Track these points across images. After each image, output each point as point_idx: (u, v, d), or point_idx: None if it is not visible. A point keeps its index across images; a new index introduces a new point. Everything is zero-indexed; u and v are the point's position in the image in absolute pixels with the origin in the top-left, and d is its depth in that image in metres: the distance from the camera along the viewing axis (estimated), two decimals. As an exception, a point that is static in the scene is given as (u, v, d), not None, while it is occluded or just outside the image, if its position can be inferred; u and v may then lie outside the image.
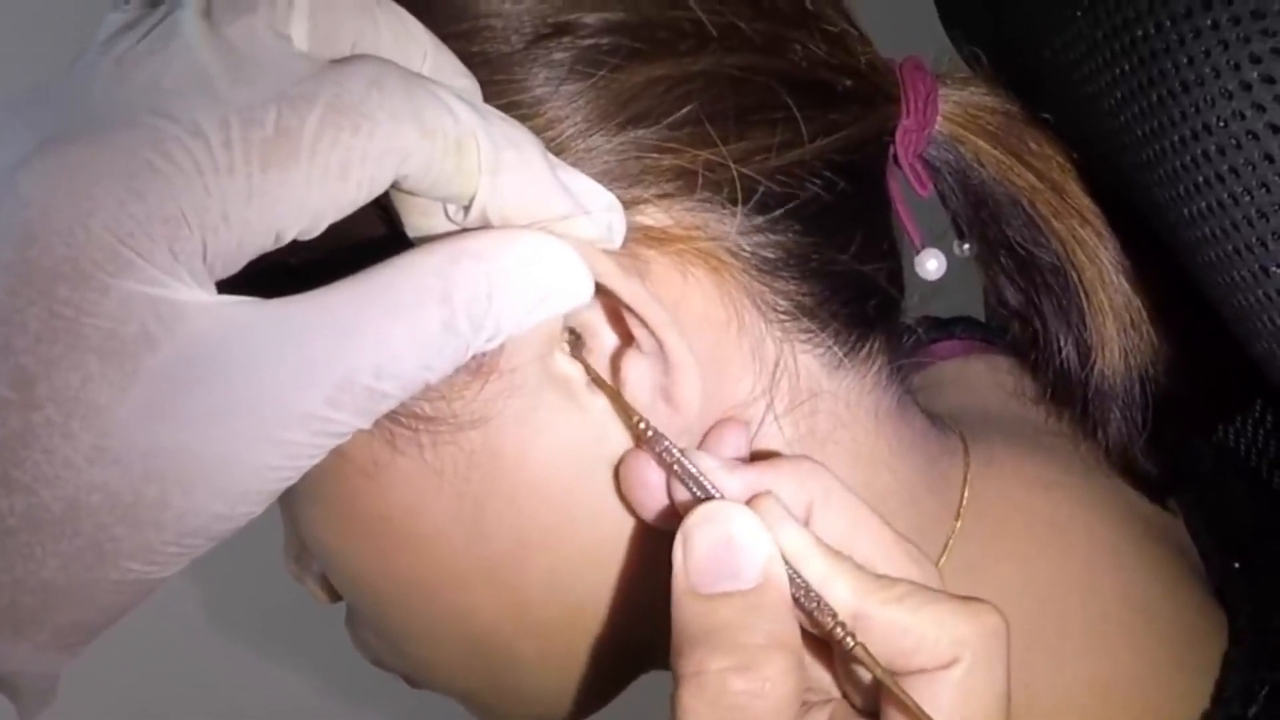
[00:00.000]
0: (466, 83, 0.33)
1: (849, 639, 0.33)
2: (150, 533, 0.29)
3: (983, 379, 0.52)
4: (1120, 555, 0.44)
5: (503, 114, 0.33)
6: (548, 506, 0.38)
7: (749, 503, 0.34)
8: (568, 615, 0.40)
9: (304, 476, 0.31)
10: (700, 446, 0.38)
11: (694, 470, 0.35)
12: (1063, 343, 0.45)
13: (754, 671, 0.32)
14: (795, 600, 0.34)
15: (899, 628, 0.33)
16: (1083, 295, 0.44)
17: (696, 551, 0.34)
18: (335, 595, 0.47)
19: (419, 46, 0.33)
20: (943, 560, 0.42)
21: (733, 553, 0.33)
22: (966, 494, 0.44)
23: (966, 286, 0.49)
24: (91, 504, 0.29)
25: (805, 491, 0.35)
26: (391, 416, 0.37)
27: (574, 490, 0.38)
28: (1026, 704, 0.41)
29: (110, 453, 0.28)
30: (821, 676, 0.37)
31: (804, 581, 0.34)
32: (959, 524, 0.43)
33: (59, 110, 0.30)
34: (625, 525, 0.39)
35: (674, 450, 0.36)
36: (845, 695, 0.37)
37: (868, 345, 0.41)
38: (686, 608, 0.33)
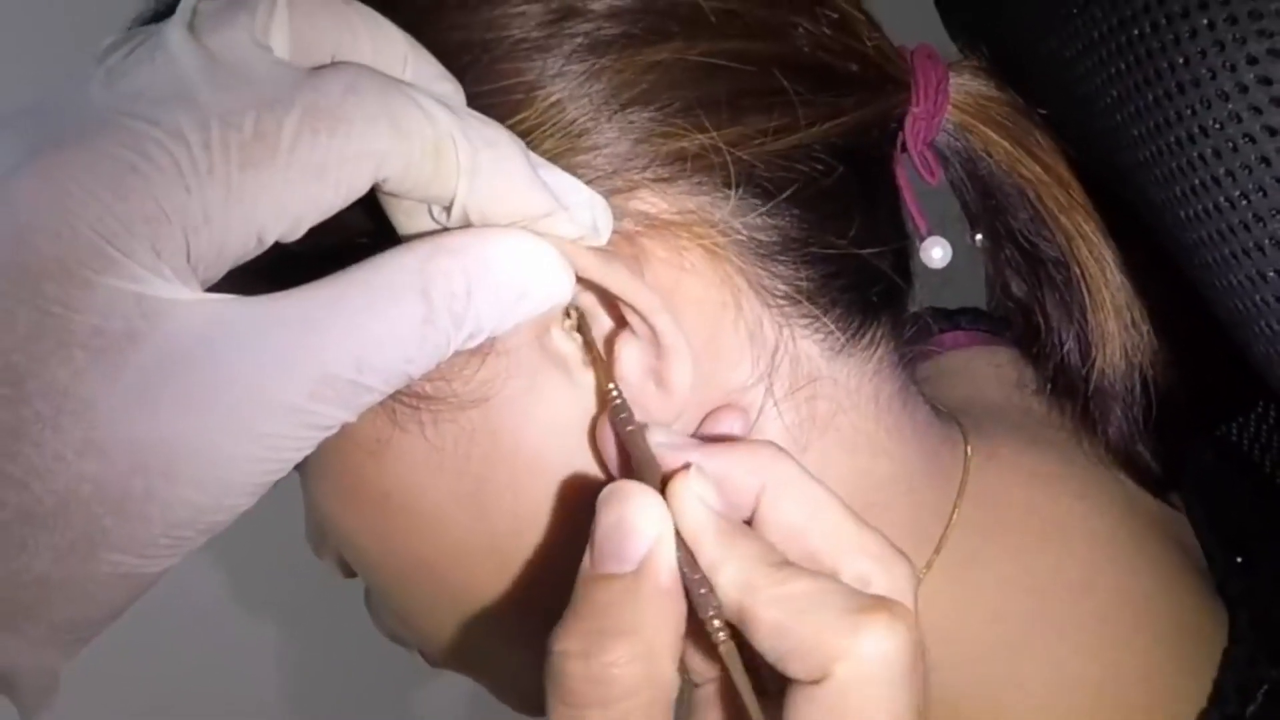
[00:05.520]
0: (447, 87, 0.34)
1: (718, 634, 0.32)
2: (138, 525, 0.30)
3: (986, 371, 0.52)
4: (1120, 551, 0.44)
5: (481, 116, 0.33)
6: (545, 484, 0.38)
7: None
8: (566, 595, 0.41)
9: (314, 454, 0.31)
10: (697, 432, 0.38)
11: (640, 442, 0.35)
12: (1064, 337, 0.45)
13: (592, 658, 0.31)
14: (686, 590, 0.33)
15: (778, 629, 0.32)
16: (1085, 290, 0.44)
17: (596, 531, 0.33)
18: (353, 572, 0.47)
19: (399, 54, 0.33)
20: (940, 552, 0.42)
21: (621, 534, 0.33)
22: (967, 486, 0.44)
23: (976, 278, 0.48)
24: (82, 496, 0.29)
25: (756, 476, 0.35)
26: (394, 394, 0.37)
27: (570, 468, 0.38)
28: (1019, 701, 0.41)
29: (98, 445, 0.29)
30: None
31: (695, 573, 0.33)
32: (958, 515, 0.43)
33: (50, 121, 0.30)
34: None
35: (629, 422, 0.35)
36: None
37: (870, 332, 0.41)
38: (577, 586, 0.33)
